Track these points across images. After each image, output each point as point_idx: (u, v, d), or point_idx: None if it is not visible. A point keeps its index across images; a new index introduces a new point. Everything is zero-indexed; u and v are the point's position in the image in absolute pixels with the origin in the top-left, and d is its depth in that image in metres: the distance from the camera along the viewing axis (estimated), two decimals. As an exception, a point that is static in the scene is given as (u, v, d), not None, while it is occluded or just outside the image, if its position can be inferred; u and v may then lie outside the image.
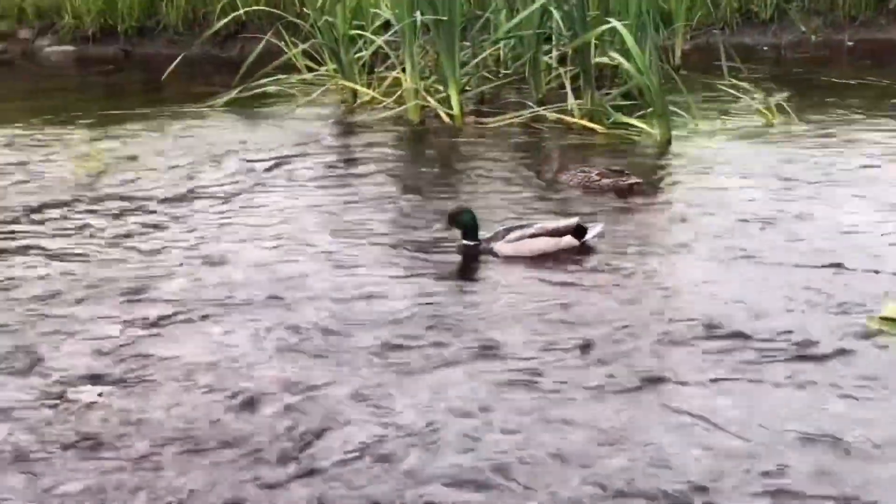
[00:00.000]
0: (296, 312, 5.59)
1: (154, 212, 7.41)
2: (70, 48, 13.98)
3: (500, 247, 6.51)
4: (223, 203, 7.61)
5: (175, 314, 5.58)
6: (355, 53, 10.98)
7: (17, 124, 10.16)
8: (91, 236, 6.88)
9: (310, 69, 11.27)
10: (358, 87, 10.82)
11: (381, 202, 7.60)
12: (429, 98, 10.17)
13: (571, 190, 7.79)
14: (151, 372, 4.96)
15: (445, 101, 10.10)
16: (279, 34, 11.37)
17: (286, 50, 11.22)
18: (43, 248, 6.64)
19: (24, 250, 6.60)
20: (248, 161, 8.71)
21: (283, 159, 8.78)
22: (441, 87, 10.30)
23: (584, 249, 6.54)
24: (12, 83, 13.04)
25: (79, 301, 5.79)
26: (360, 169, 8.61)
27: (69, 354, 5.15)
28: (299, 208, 7.45)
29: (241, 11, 12.10)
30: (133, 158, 8.83)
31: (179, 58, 11.22)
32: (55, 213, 7.38)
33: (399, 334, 5.31)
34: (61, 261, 6.42)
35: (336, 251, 6.55)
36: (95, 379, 4.87)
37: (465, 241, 6.55)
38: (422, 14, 9.94)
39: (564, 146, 8.99)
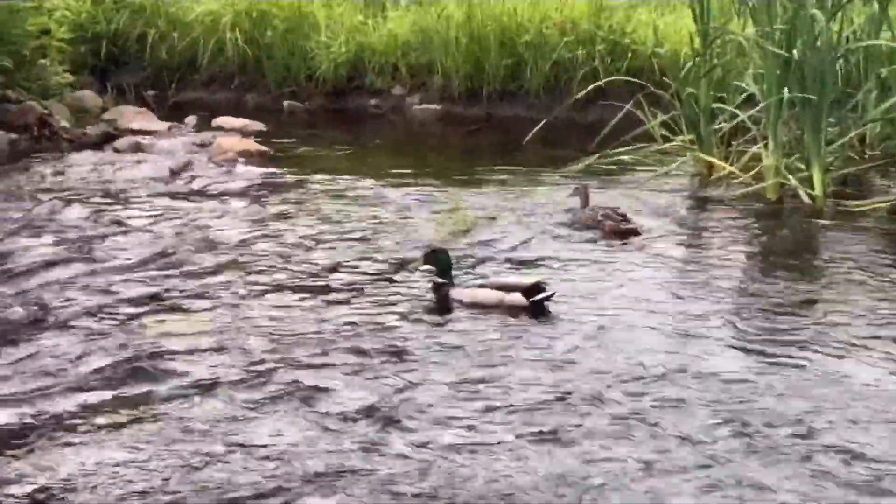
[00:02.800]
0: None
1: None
2: (436, 107, 14.78)
3: (454, 291, 7.00)
4: (578, 269, 7.77)
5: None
6: (715, 126, 10.93)
7: (384, 178, 10.83)
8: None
9: (666, 139, 11.30)
10: (715, 160, 10.74)
11: (732, 284, 7.50)
12: (790, 176, 9.93)
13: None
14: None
15: (807, 181, 9.82)
16: (638, 103, 11.49)
17: (644, 119, 11.32)
18: (415, 312, 6.89)
19: (401, 314, 6.81)
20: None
21: (635, 230, 8.86)
22: (803, 166, 10.03)
23: (535, 312, 6.69)
24: (383, 136, 13.94)
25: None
26: (712, 245, 8.56)
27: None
28: (646, 282, 7.48)
29: (602, 82, 12.35)
30: (494, 218, 9.17)
31: (542, 122, 11.52)
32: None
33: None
34: (439, 325, 6.70)
35: (681, 329, 6.53)
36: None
37: (437, 279, 7.08)
38: (789, 91, 9.76)
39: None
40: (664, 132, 11.35)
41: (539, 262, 7.93)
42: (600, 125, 11.35)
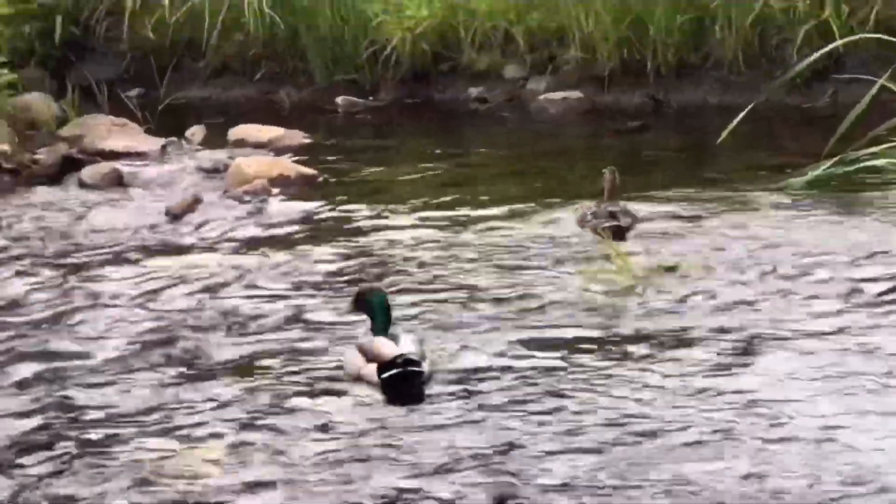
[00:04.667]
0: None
1: (726, 352, 7.70)
2: (576, 94, 14.84)
3: (348, 353, 7.49)
4: (818, 341, 7.73)
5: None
6: None
7: (497, 209, 10.96)
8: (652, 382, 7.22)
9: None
10: None
11: None
12: None
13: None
14: None
15: None
16: (896, 75, 11.44)
17: (910, 99, 11.30)
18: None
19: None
20: (852, 280, 8.83)
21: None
22: None
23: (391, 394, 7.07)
24: (492, 144, 14.04)
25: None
26: None
27: None
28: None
29: (838, 44, 12.26)
30: (673, 268, 9.16)
31: (746, 110, 11.46)
32: (607, 345, 7.85)
33: None
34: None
35: None
36: None
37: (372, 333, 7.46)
38: None
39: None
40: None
41: (758, 338, 7.89)
42: (839, 112, 11.40)
